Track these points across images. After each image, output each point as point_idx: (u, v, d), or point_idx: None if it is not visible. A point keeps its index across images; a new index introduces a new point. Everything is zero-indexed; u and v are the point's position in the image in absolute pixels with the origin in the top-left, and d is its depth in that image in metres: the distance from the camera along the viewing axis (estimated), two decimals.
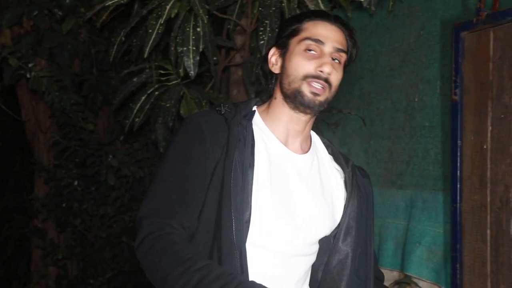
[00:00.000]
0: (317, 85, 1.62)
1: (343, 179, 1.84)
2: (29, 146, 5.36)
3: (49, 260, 4.96)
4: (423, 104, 3.04)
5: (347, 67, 1.75)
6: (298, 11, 2.79)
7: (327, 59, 1.64)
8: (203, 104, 3.27)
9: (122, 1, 3.06)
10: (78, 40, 4.51)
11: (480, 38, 2.57)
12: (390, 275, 3.14)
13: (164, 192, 1.54)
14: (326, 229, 1.75)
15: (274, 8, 2.74)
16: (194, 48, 2.93)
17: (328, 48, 1.65)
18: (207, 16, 2.93)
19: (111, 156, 4.33)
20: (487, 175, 2.53)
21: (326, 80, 1.63)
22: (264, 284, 1.39)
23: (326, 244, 1.78)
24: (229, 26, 3.33)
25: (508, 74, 2.45)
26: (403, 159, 3.14)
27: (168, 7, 2.92)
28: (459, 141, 2.65)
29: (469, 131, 2.62)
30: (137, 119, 3.34)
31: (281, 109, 1.70)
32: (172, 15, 2.95)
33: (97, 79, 4.39)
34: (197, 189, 1.55)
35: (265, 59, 1.78)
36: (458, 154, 2.65)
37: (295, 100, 1.65)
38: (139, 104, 3.32)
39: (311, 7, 2.80)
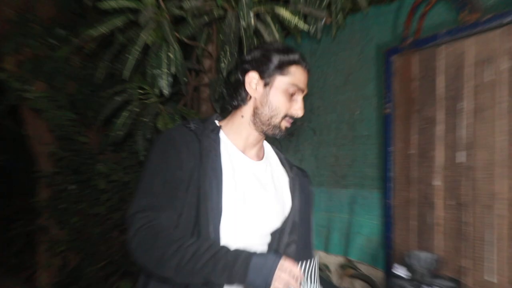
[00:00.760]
0: (290, 122, 1.69)
1: (289, 181, 1.84)
2: (31, 156, 5.29)
3: (52, 252, 4.91)
4: (362, 116, 3.04)
5: None
6: (255, 39, 2.77)
7: (302, 103, 1.68)
8: (177, 118, 3.24)
9: (105, 32, 3.02)
10: (71, 65, 4.48)
11: (406, 60, 2.59)
12: (336, 260, 3.14)
13: (151, 192, 1.53)
14: (278, 223, 1.74)
15: (232, 37, 2.71)
16: (167, 71, 2.90)
17: (303, 93, 1.69)
18: (177, 44, 2.90)
19: (101, 163, 4.29)
20: (412, 176, 2.55)
21: None
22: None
23: (276, 236, 1.77)
24: (198, 51, 3.30)
25: (428, 91, 2.46)
26: (346, 163, 3.14)
27: (143, 35, 2.89)
28: (390, 148, 2.67)
29: (398, 139, 2.63)
30: (119, 132, 3.29)
31: (245, 127, 1.70)
32: (149, 43, 2.93)
33: (88, 98, 4.34)
34: (178, 190, 1.54)
35: (227, 78, 1.77)
36: (390, 159, 2.67)
37: (269, 130, 1.68)
38: (122, 120, 3.28)
39: (266, 36, 2.79)
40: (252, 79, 1.68)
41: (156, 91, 3.19)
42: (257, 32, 2.80)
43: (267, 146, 1.88)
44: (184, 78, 3.09)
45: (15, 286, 6.13)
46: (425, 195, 2.45)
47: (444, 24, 2.58)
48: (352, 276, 3.04)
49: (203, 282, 1.42)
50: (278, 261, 1.40)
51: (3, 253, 6.84)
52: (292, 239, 1.77)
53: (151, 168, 1.58)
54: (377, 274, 2.86)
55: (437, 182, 2.40)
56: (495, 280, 2.13)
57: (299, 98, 1.68)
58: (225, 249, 1.43)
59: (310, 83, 3.30)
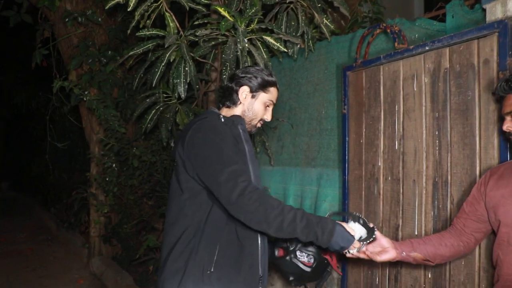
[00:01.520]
0: (261, 123, 1.81)
1: None
2: (86, 143, 5.31)
3: (100, 213, 4.92)
4: (327, 115, 3.04)
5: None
6: (248, 58, 2.77)
7: (271, 112, 1.80)
8: (191, 115, 3.25)
9: (140, 52, 3.02)
10: (116, 77, 4.50)
11: (357, 75, 2.60)
12: None
13: (233, 161, 1.47)
14: None
15: (231, 56, 2.72)
16: (184, 80, 2.90)
17: (273, 104, 1.80)
18: (191, 61, 2.90)
19: (135, 148, 4.29)
20: (362, 159, 2.56)
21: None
22: None
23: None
24: (207, 66, 3.30)
25: (373, 97, 2.48)
26: (315, 149, 3.14)
27: (167, 55, 2.90)
28: (347, 138, 2.68)
29: (352, 132, 2.64)
30: (149, 125, 3.30)
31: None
32: (171, 60, 2.93)
33: (127, 100, 4.34)
34: (245, 158, 1.60)
35: (227, 86, 1.78)
36: (346, 146, 2.68)
37: (249, 127, 1.76)
38: (150, 116, 3.29)
39: (257, 56, 2.79)
40: (244, 91, 1.74)
41: (176, 95, 3.21)
42: (249, 53, 2.80)
43: None
44: (197, 86, 3.10)
45: (74, 237, 6.16)
46: (372, 173, 2.48)
47: (384, 50, 2.61)
48: None
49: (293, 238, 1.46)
50: (351, 233, 1.53)
51: (66, 213, 6.88)
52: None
53: (217, 145, 1.50)
54: None
55: (380, 163, 2.42)
56: (420, 234, 2.17)
57: (270, 109, 1.79)
58: (317, 219, 1.47)
59: (289, 90, 3.32)
